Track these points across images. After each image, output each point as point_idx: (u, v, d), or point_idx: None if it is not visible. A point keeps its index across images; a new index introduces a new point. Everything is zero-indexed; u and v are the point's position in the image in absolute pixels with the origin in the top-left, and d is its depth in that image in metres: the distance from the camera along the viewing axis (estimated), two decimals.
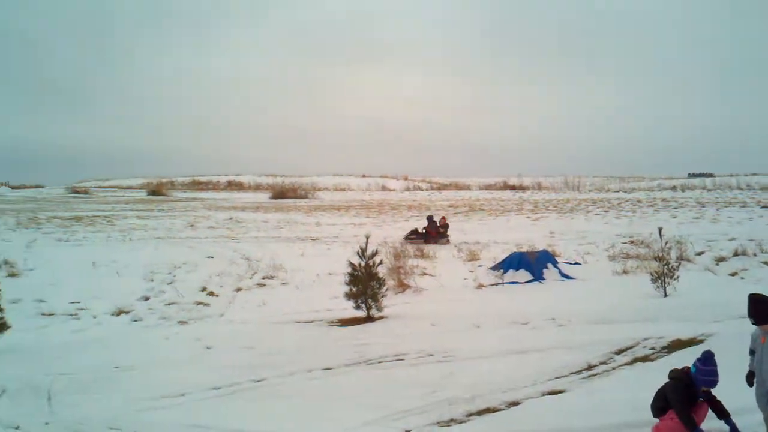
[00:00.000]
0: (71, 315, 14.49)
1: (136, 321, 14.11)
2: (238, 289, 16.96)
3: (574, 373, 8.38)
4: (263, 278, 18.15)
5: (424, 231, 26.81)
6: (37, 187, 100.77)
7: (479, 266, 18.97)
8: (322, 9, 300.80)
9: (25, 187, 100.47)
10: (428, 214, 29.17)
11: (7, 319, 11.31)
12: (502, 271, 17.29)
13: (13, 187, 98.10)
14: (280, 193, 67.88)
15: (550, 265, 17.48)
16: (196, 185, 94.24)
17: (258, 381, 8.74)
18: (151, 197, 70.42)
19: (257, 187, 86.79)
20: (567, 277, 17.13)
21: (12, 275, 18.10)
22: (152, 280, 17.87)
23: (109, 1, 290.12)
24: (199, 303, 15.53)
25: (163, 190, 78.18)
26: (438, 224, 26.87)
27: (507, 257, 18.07)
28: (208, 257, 21.93)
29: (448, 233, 26.78)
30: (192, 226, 33.99)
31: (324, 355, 10.00)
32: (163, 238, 28.27)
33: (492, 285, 16.63)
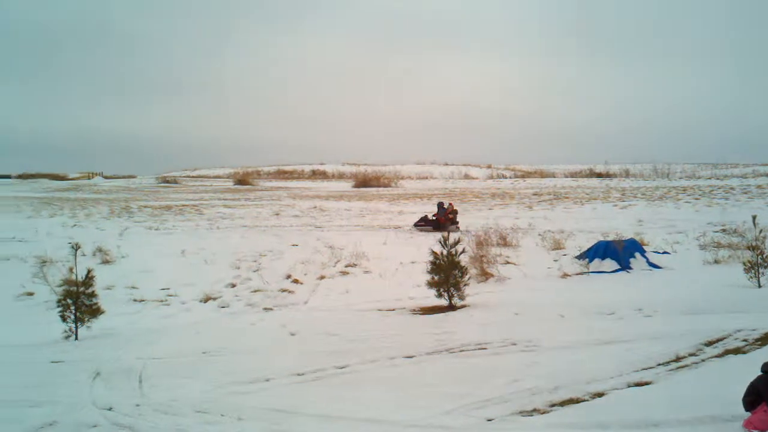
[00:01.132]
0: (161, 301, 15.00)
1: (223, 307, 14.49)
2: (322, 277, 17.18)
3: (662, 364, 8.15)
4: (346, 266, 18.35)
5: (434, 218, 27.06)
6: (129, 177, 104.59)
7: (564, 255, 18.69)
8: None
9: (117, 177, 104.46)
10: (439, 200, 29.52)
11: (101, 304, 11.77)
12: (587, 260, 16.97)
13: (106, 177, 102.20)
14: (363, 182, 68.21)
15: (637, 254, 17.04)
16: (281, 174, 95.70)
17: (341, 367, 8.83)
18: (237, 186, 71.99)
19: (340, 176, 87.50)
20: (655, 266, 16.69)
21: (106, 262, 18.86)
22: (239, 268, 18.30)
23: None
24: (283, 290, 15.82)
25: (250, 180, 79.67)
26: (447, 211, 27.10)
27: (593, 246, 17.71)
28: (293, 245, 22.31)
29: (457, 219, 27.10)
30: (277, 214, 34.61)
31: (406, 343, 10.03)
32: (250, 226, 28.91)
33: (577, 274, 16.36)
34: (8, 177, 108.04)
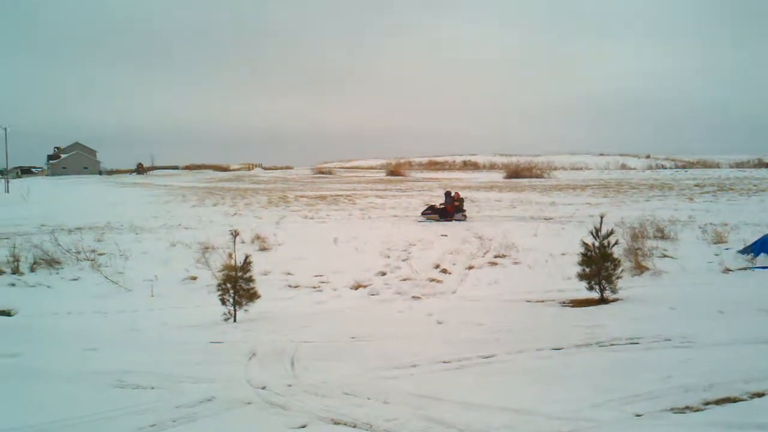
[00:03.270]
0: (314, 287, 15.51)
1: (372, 295, 14.78)
2: (470, 267, 17.18)
3: None
4: (495, 257, 18.26)
5: (441, 207, 27.40)
6: (286, 168, 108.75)
7: (726, 249, 17.73)
8: None
9: (276, 168, 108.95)
10: (446, 190, 29.39)
11: (257, 289, 12.33)
12: (752, 254, 16.02)
13: (266, 168, 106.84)
14: (515, 173, 67.62)
15: None
16: (433, 165, 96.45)
17: (486, 357, 8.81)
18: (389, 177, 73.22)
19: (492, 167, 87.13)
20: None
21: (263, 249, 19.74)
22: (388, 257, 18.62)
23: None
24: (432, 279, 15.93)
25: (401, 171, 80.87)
26: (453, 199, 27.35)
27: (759, 239, 16.71)
28: (442, 235, 22.45)
29: (463, 208, 27.50)
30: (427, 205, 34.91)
31: (554, 335, 9.88)
32: (400, 216, 29.28)
33: (740, 269, 15.47)
34: (176, 168, 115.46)
